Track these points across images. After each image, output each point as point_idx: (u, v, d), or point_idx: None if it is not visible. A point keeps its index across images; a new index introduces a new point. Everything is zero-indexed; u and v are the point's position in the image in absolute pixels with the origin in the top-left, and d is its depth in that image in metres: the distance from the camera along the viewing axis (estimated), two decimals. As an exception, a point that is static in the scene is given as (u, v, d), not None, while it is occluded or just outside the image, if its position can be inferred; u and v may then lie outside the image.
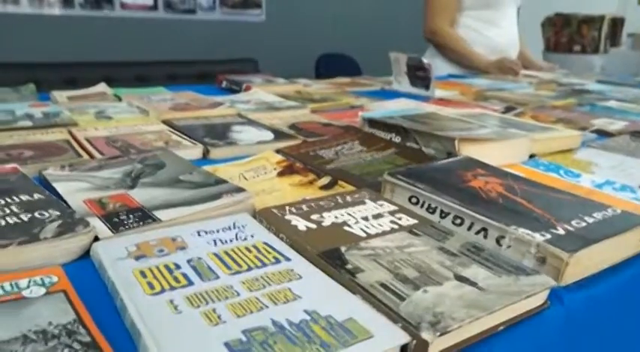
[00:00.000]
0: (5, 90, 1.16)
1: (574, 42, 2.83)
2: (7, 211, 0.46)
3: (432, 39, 2.06)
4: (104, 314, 0.35)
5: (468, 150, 0.69)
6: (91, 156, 0.68)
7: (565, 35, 2.85)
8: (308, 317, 0.33)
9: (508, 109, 1.12)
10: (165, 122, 0.89)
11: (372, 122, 0.84)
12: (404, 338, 0.32)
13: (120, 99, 1.10)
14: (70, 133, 0.79)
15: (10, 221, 0.44)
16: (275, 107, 1.07)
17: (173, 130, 0.83)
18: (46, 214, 0.46)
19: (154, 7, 3.10)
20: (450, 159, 0.65)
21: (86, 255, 0.44)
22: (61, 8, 2.79)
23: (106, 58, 2.89)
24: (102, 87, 1.23)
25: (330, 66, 3.49)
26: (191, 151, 0.73)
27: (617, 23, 2.81)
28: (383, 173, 0.66)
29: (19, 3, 2.66)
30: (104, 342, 0.32)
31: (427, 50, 2.15)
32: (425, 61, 1.41)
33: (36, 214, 0.46)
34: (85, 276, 0.41)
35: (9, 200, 0.49)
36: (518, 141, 0.74)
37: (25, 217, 0.45)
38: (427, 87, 1.42)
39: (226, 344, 0.30)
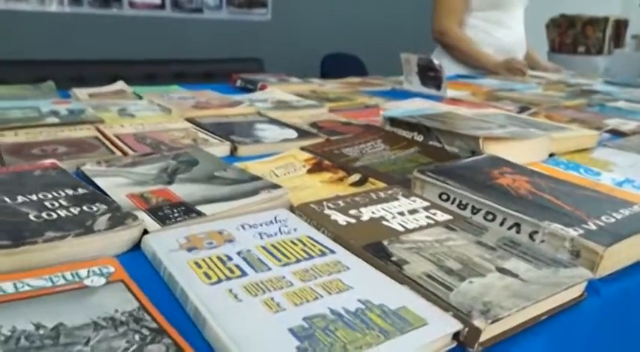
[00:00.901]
0: (25, 87, 1.17)
1: (578, 43, 2.85)
2: (57, 204, 0.48)
3: (440, 39, 2.08)
4: (161, 303, 0.36)
5: (492, 149, 0.71)
6: (124, 153, 0.69)
7: (569, 36, 2.87)
8: (363, 306, 0.35)
9: (522, 109, 1.14)
10: (188, 120, 0.90)
11: (394, 121, 0.85)
12: (456, 325, 0.34)
13: (140, 98, 1.12)
14: (98, 130, 0.81)
15: (62, 214, 0.46)
16: (293, 106, 1.08)
17: (198, 128, 0.84)
18: (95, 208, 0.48)
19: (162, 6, 3.12)
20: (476, 158, 0.67)
21: (134, 247, 0.45)
22: (70, 6, 2.80)
23: (114, 56, 2.90)
24: (120, 85, 1.25)
25: (335, 65, 3.51)
26: (219, 149, 0.75)
27: (620, 25, 2.83)
28: (408, 171, 0.68)
29: (29, 0, 2.67)
30: (171, 328, 0.33)
31: (435, 50, 2.17)
32: (436, 61, 1.42)
33: (84, 207, 0.48)
34: (136, 267, 0.42)
35: (55, 194, 0.51)
36: (539, 140, 0.76)
37: (74, 210, 0.47)
38: (438, 87, 1.43)
39: (290, 330, 0.32)
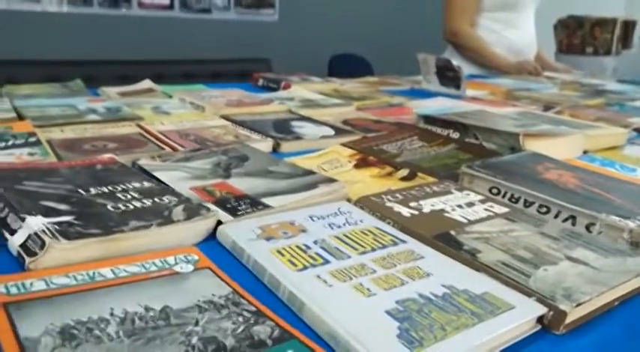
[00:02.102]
0: (54, 86, 1.19)
1: (586, 44, 2.88)
2: (129, 196, 0.49)
3: (452, 40, 2.10)
4: (247, 288, 0.38)
5: (531, 145, 0.72)
6: (173, 149, 0.71)
7: (577, 37, 2.89)
8: (448, 291, 0.37)
9: (546, 108, 1.15)
10: (223, 117, 0.92)
11: (428, 118, 0.87)
12: (541, 309, 0.35)
13: (170, 96, 1.13)
14: (140, 127, 0.82)
15: (138, 205, 0.47)
16: (320, 104, 1.10)
17: (237, 125, 0.86)
18: (166, 200, 0.49)
19: (171, 7, 3.13)
20: (518, 154, 0.69)
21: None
22: (80, 6, 2.81)
23: (123, 57, 2.91)
24: (148, 83, 1.26)
25: (342, 66, 3.52)
26: (262, 145, 0.76)
27: (629, 26, 2.85)
28: (449, 166, 0.70)
29: (41, 1, 2.68)
30: (268, 310, 0.35)
31: (446, 51, 2.19)
32: (454, 62, 1.44)
33: (156, 199, 0.49)
34: (213, 255, 0.43)
35: (123, 186, 0.52)
36: (575, 137, 0.77)
37: (147, 202, 0.48)
38: (458, 86, 1.45)
39: (387, 312, 0.34)
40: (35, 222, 0.40)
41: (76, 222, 0.42)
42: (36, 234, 0.39)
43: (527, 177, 0.59)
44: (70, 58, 2.71)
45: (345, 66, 3.47)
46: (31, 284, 0.34)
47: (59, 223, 0.41)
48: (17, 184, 0.48)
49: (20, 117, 0.83)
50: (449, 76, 1.47)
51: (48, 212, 0.43)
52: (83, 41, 2.80)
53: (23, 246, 0.39)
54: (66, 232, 0.39)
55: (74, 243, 0.38)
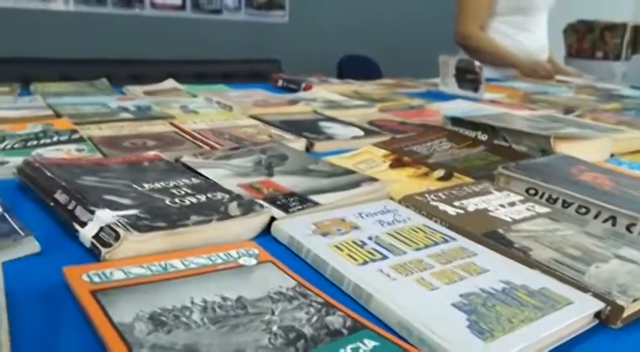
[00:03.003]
0: (82, 85, 1.21)
1: (596, 48, 2.89)
2: (182, 192, 0.51)
3: (463, 43, 2.11)
4: (309, 281, 0.39)
5: (560, 148, 0.74)
6: (212, 147, 0.72)
7: (587, 41, 2.91)
8: (507, 286, 0.38)
9: (567, 112, 1.17)
10: (253, 117, 0.93)
11: (456, 120, 0.88)
12: (598, 304, 0.36)
13: (194, 96, 1.15)
14: (173, 125, 0.84)
15: (193, 200, 0.49)
16: (344, 105, 1.11)
17: (268, 125, 0.87)
18: (219, 196, 0.51)
19: (182, 7, 3.15)
20: (551, 156, 0.70)
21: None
22: (94, 6, 2.83)
23: (136, 56, 2.92)
24: (171, 83, 1.28)
25: (351, 67, 3.54)
26: (294, 144, 0.77)
27: (638, 31, 2.87)
28: (481, 168, 0.71)
29: (55, 0, 2.70)
30: (335, 302, 0.36)
31: (457, 55, 2.20)
32: (477, 63, 1.46)
33: (209, 195, 0.51)
34: (268, 250, 0.45)
35: (174, 183, 0.54)
36: (604, 140, 0.79)
37: (201, 197, 0.50)
38: (476, 89, 1.46)
39: (453, 305, 0.35)
40: (106, 215, 0.41)
41: (142, 215, 0.43)
42: (108, 226, 0.40)
43: (563, 179, 0.60)
44: (83, 57, 2.73)
45: (354, 67, 3.48)
46: (111, 273, 0.36)
47: (127, 216, 0.42)
48: (77, 179, 0.50)
49: (57, 114, 0.85)
50: (468, 79, 1.49)
51: (113, 205, 0.44)
52: (96, 40, 2.82)
53: (96, 237, 0.40)
54: (136, 225, 0.41)
55: (145, 235, 0.40)
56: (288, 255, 0.45)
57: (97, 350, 0.29)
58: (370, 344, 0.31)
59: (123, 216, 0.42)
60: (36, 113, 0.83)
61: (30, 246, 0.40)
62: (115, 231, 0.39)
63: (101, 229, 0.40)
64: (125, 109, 0.93)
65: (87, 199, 0.44)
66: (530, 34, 2.12)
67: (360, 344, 0.31)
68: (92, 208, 0.42)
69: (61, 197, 0.46)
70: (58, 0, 2.72)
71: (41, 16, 2.64)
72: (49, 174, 0.49)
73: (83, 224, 0.41)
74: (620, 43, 2.78)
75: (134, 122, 0.84)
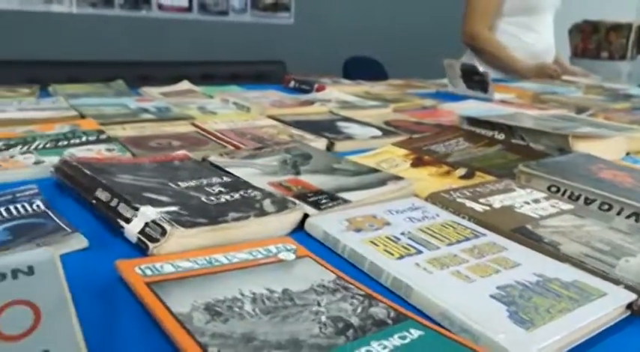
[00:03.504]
0: (98, 86, 1.22)
1: (602, 48, 2.90)
2: (216, 190, 0.52)
3: (471, 43, 2.13)
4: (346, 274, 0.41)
5: (579, 147, 0.75)
6: (236, 147, 0.74)
7: (593, 42, 2.91)
8: (541, 279, 0.39)
9: (579, 111, 1.18)
10: (271, 117, 0.94)
11: (472, 120, 0.90)
12: (630, 296, 0.38)
13: (210, 97, 1.16)
14: (194, 125, 0.85)
15: (228, 198, 0.50)
16: (358, 106, 1.13)
17: (287, 125, 0.89)
18: (251, 193, 0.52)
19: (189, 9, 3.17)
20: (570, 155, 0.71)
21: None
22: (101, 8, 2.85)
23: (143, 58, 2.94)
24: (186, 84, 1.29)
25: (357, 68, 3.55)
26: (315, 144, 0.79)
27: (644, 31, 2.87)
28: (500, 166, 0.72)
29: (63, 2, 2.73)
30: (375, 293, 0.38)
31: (464, 54, 2.21)
32: (480, 68, 1.47)
33: (242, 193, 0.52)
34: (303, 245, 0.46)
35: (207, 181, 0.55)
36: (619, 138, 0.80)
37: (235, 195, 0.51)
38: (485, 90, 1.47)
39: (492, 296, 0.36)
40: (150, 211, 0.43)
41: (182, 212, 0.44)
42: (154, 222, 0.41)
43: (584, 176, 0.62)
44: (90, 59, 2.76)
45: (360, 68, 3.50)
46: (162, 267, 0.37)
47: (169, 213, 0.44)
48: (114, 177, 0.51)
49: (81, 115, 0.86)
50: (475, 80, 1.50)
51: (153, 203, 0.45)
52: (104, 42, 2.84)
53: (142, 233, 0.41)
54: (180, 221, 0.42)
55: (189, 230, 0.41)
56: (321, 250, 0.46)
57: (157, 339, 0.31)
58: (416, 333, 0.32)
59: (166, 213, 0.43)
60: (61, 114, 0.85)
61: (78, 241, 0.41)
62: (162, 227, 0.41)
63: (146, 225, 0.42)
64: (145, 110, 0.94)
65: (128, 197, 0.46)
66: (537, 34, 2.13)
67: (407, 334, 0.32)
68: (136, 205, 0.44)
69: (102, 195, 0.47)
70: (66, 2, 2.74)
71: (49, 18, 2.66)
72: (88, 172, 0.51)
73: (128, 220, 0.43)
74: (626, 43, 2.78)
75: (156, 123, 0.86)
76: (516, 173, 0.65)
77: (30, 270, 0.33)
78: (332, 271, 0.41)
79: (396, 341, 0.31)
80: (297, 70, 2.75)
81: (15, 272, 0.32)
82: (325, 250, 0.46)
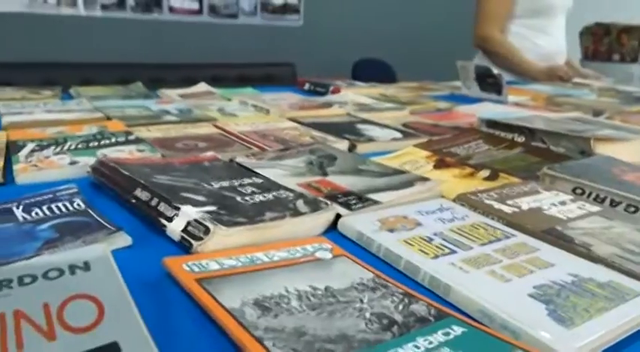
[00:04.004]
0: (118, 88, 1.24)
1: (613, 51, 2.89)
2: (249, 190, 0.53)
3: (482, 46, 2.13)
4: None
5: (600, 149, 0.76)
6: (261, 148, 0.75)
7: (604, 44, 2.91)
8: (575, 279, 0.40)
9: (596, 114, 1.18)
10: (291, 119, 0.96)
11: (491, 123, 0.90)
12: (664, 296, 0.38)
13: (228, 99, 1.17)
14: (217, 127, 0.86)
15: (262, 198, 0.51)
16: (375, 108, 1.14)
17: (307, 127, 0.90)
18: (284, 194, 0.53)
19: (199, 12, 3.20)
20: (592, 158, 0.72)
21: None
22: (113, 11, 2.88)
23: (154, 60, 2.97)
24: (204, 86, 1.31)
25: (366, 70, 3.57)
26: (337, 146, 0.80)
27: (655, 34, 2.87)
28: (522, 168, 0.73)
29: (76, 5, 2.75)
30: (413, 291, 0.38)
31: (476, 56, 2.22)
32: (494, 70, 1.48)
33: (274, 193, 0.53)
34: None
35: (238, 181, 0.56)
36: (640, 142, 0.81)
37: (268, 195, 0.52)
38: (499, 92, 1.48)
39: (529, 295, 0.37)
40: (191, 211, 0.44)
41: (221, 211, 0.46)
42: (196, 220, 0.43)
43: (609, 179, 0.62)
44: (102, 61, 2.78)
45: (369, 71, 3.51)
46: (207, 264, 0.38)
47: (209, 212, 0.45)
48: (150, 177, 0.52)
49: (107, 117, 0.88)
50: (489, 82, 1.51)
51: (192, 202, 0.47)
52: (115, 44, 2.87)
53: (185, 231, 0.43)
54: (221, 220, 0.43)
55: (231, 229, 0.42)
56: (354, 250, 0.47)
57: (210, 332, 0.32)
58: (459, 329, 0.33)
59: (206, 212, 0.44)
60: (88, 116, 0.86)
61: (122, 239, 0.43)
62: (205, 225, 0.42)
63: (188, 224, 0.43)
64: (167, 112, 0.96)
65: (168, 196, 0.47)
66: (549, 36, 2.13)
67: (450, 330, 0.33)
68: (176, 204, 0.45)
69: (141, 194, 0.48)
70: (79, 5, 2.77)
71: (62, 21, 2.69)
72: (125, 172, 0.52)
73: (169, 219, 0.44)
74: (637, 45, 2.78)
75: (179, 124, 0.87)
76: (540, 175, 0.66)
77: (86, 266, 0.34)
78: (369, 270, 0.42)
79: (440, 337, 0.32)
80: (306, 72, 2.77)
81: (72, 268, 0.33)
82: (358, 249, 0.47)
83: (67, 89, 1.20)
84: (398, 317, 0.34)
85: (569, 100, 1.46)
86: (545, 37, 2.12)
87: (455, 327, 0.34)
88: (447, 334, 0.33)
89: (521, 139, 0.85)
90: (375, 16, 3.72)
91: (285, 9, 3.51)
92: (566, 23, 2.23)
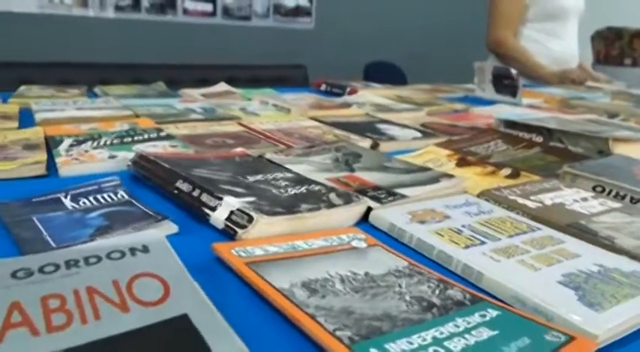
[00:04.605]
0: (141, 88, 1.27)
1: (625, 55, 2.90)
2: (282, 184, 0.56)
3: (495, 49, 2.15)
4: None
5: (618, 149, 0.77)
6: (287, 145, 0.77)
7: (616, 48, 2.92)
8: (601, 268, 0.42)
9: (611, 116, 1.20)
10: (313, 119, 0.98)
11: (509, 123, 0.92)
12: (687, 285, 0.40)
13: (249, 99, 1.20)
14: (241, 125, 0.89)
15: (296, 191, 0.54)
16: (392, 109, 1.16)
17: (329, 126, 0.92)
18: (316, 188, 0.55)
19: (213, 14, 3.24)
20: (610, 157, 0.74)
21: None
22: (129, 12, 2.93)
23: (168, 61, 3.00)
24: (224, 86, 1.34)
25: (377, 73, 3.59)
26: (360, 144, 0.82)
27: (667, 38, 2.87)
28: (542, 167, 0.75)
29: (92, 7, 2.80)
30: (449, 279, 0.40)
31: (488, 60, 2.23)
32: (513, 71, 1.49)
33: (307, 187, 0.55)
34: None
35: (271, 176, 0.58)
36: (657, 142, 0.82)
37: (302, 189, 0.55)
38: (514, 94, 1.50)
39: (559, 283, 0.39)
40: (233, 201, 0.46)
41: (261, 202, 0.48)
42: (239, 210, 0.45)
43: (628, 177, 0.64)
44: (118, 62, 2.83)
45: (380, 73, 3.54)
46: (252, 250, 0.40)
47: (249, 203, 0.47)
48: (189, 170, 0.55)
49: (135, 114, 0.90)
50: (505, 84, 1.53)
51: (232, 193, 0.49)
52: (131, 45, 2.91)
53: (228, 219, 0.45)
54: (262, 210, 0.45)
55: (272, 218, 0.45)
56: (385, 240, 0.49)
57: (263, 310, 0.34)
58: (494, 312, 0.35)
59: (247, 202, 0.47)
60: (118, 113, 0.89)
61: (169, 227, 0.45)
62: (248, 214, 0.44)
63: (231, 213, 0.45)
64: (192, 110, 0.98)
65: (209, 187, 0.49)
66: (561, 40, 2.15)
67: (486, 312, 0.35)
68: (219, 195, 0.47)
69: (183, 186, 0.51)
70: (95, 7, 2.82)
71: (79, 22, 2.74)
72: (166, 166, 0.55)
73: (212, 208, 0.46)
74: (649, 50, 2.78)
75: (205, 122, 0.90)
76: (561, 173, 0.68)
77: (145, 249, 0.36)
78: (402, 258, 0.44)
79: (477, 318, 0.34)
80: (318, 74, 2.79)
81: (132, 250, 0.36)
82: (388, 240, 0.49)
83: (91, 88, 1.23)
84: (436, 301, 0.36)
85: (583, 103, 1.48)
86: (557, 40, 2.14)
87: (490, 310, 0.36)
88: (484, 316, 0.35)
89: (539, 139, 0.87)
90: (386, 19, 3.75)
91: (297, 12, 3.55)
92: (578, 27, 2.24)
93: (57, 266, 0.33)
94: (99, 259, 0.35)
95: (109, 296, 0.30)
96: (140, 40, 2.95)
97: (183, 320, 0.28)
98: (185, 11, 3.12)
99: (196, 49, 3.13)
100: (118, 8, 2.89)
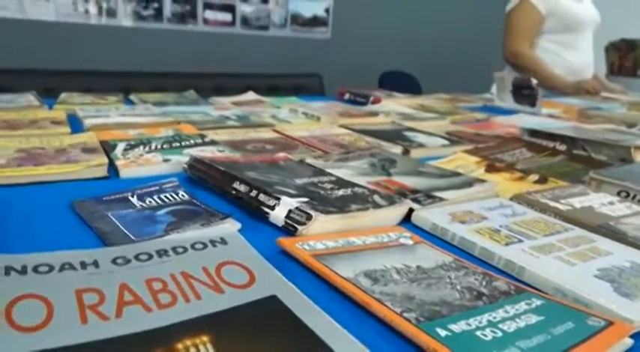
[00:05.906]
0: (173, 96, 1.32)
1: (638, 66, 2.92)
2: (329, 186, 0.60)
3: (512, 60, 2.18)
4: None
5: (638, 157, 0.81)
6: (324, 151, 0.81)
7: (629, 60, 2.94)
8: (633, 264, 0.45)
9: (630, 126, 1.23)
10: (342, 126, 1.02)
11: (533, 132, 0.96)
12: None
13: (278, 107, 1.25)
14: (276, 132, 0.93)
15: (343, 193, 0.58)
16: (417, 117, 1.20)
17: (359, 133, 0.96)
18: (359, 190, 0.59)
19: (232, 23, 3.31)
20: (634, 164, 0.77)
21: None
22: (150, 22, 3.01)
23: (188, 69, 3.08)
24: (253, 95, 1.39)
25: (392, 82, 3.63)
26: (391, 150, 0.86)
27: (682, 49, 2.89)
28: (568, 174, 0.78)
29: (116, 16, 2.88)
30: (490, 273, 0.44)
31: (504, 70, 2.27)
32: (533, 80, 1.53)
33: (352, 189, 0.59)
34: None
35: (316, 179, 0.63)
36: (678, 151, 0.85)
37: (347, 191, 0.59)
38: (533, 104, 1.53)
39: (595, 276, 0.43)
40: (290, 201, 0.50)
41: (314, 202, 0.52)
42: (297, 208, 0.49)
43: (652, 184, 0.67)
44: (140, 70, 2.90)
45: (395, 83, 3.58)
46: (314, 244, 0.45)
47: (305, 202, 0.51)
48: (243, 173, 0.59)
49: (176, 121, 0.95)
50: (524, 94, 1.56)
51: (286, 194, 0.53)
52: (152, 54, 2.99)
53: (288, 217, 0.49)
54: (318, 209, 0.50)
55: (328, 216, 0.49)
56: (428, 239, 0.53)
57: (331, 296, 0.38)
58: (538, 301, 0.39)
59: (303, 202, 0.51)
60: (159, 119, 0.94)
61: (232, 224, 0.49)
62: (307, 213, 0.48)
63: (290, 211, 0.49)
64: (227, 118, 1.03)
65: (266, 188, 0.54)
66: (577, 51, 2.18)
67: (530, 301, 0.39)
68: (277, 195, 0.52)
69: (240, 187, 0.55)
70: (119, 16, 2.90)
71: (102, 31, 2.82)
72: (221, 168, 0.59)
73: (271, 207, 0.51)
74: (664, 61, 2.81)
75: (242, 129, 0.94)
76: (587, 179, 0.71)
77: (223, 241, 0.40)
78: (447, 254, 0.48)
79: (523, 306, 0.38)
80: (334, 83, 2.85)
81: (213, 242, 0.40)
82: (430, 238, 0.53)
83: (127, 96, 1.29)
84: (485, 290, 0.40)
85: (601, 113, 1.51)
86: (573, 52, 2.17)
87: (534, 299, 0.39)
88: (529, 304, 0.38)
89: (562, 148, 0.90)
90: (400, 29, 3.80)
91: (314, 22, 3.62)
92: (592, 38, 2.27)
93: (150, 255, 0.38)
94: (185, 249, 0.39)
95: (202, 279, 0.35)
96: (161, 48, 3.03)
97: (273, 299, 0.32)
98: (205, 21, 3.20)
99: (216, 57, 3.21)
100: (141, 18, 2.97)
